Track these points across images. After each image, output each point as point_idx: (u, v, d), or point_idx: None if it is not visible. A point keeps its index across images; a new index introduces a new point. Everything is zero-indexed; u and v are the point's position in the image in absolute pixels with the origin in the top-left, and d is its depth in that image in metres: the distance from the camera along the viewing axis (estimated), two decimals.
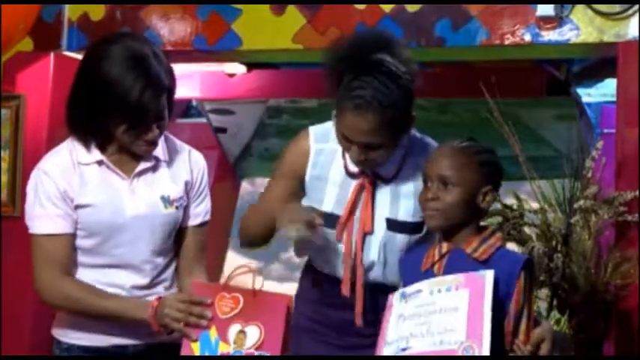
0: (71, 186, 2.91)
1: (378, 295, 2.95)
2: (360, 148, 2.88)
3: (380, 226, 3.00)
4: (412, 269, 2.88)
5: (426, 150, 2.97)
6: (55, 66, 4.50)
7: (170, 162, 3.02)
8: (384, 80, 2.82)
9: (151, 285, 2.99)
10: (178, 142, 3.09)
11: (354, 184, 3.01)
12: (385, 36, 2.97)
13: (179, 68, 5.24)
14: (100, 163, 2.94)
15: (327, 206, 3.02)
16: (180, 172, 3.03)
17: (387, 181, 3.01)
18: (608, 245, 3.72)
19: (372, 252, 3.00)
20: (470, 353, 2.58)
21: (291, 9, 4.27)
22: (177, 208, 2.99)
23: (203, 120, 6.55)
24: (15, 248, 4.39)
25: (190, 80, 5.93)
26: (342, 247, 3.00)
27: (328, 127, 3.04)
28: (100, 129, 2.89)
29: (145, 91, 2.81)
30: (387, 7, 4.14)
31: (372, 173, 3.00)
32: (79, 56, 4.54)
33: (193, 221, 3.06)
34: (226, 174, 6.77)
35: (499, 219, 3.70)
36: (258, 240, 3.13)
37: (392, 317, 2.76)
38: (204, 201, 3.09)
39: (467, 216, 2.80)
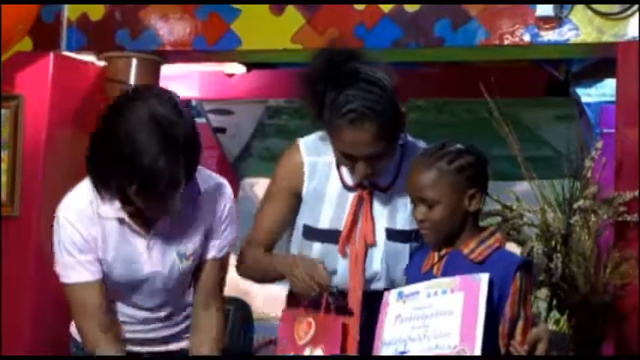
0: (93, 237, 2.86)
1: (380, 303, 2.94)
2: (366, 162, 2.86)
3: (380, 237, 2.98)
4: (414, 271, 2.89)
5: None
6: (54, 66, 4.50)
7: (191, 209, 2.92)
8: (365, 87, 2.81)
9: (166, 318, 2.99)
10: (201, 182, 2.93)
11: (350, 196, 2.98)
12: (347, 48, 2.96)
13: (178, 68, 5.29)
14: (121, 221, 2.86)
15: (324, 223, 2.99)
16: (200, 219, 2.94)
17: (384, 190, 2.99)
18: (607, 245, 3.72)
19: (375, 263, 2.98)
20: None
21: (290, 9, 4.27)
22: (193, 260, 2.94)
23: (202, 120, 6.55)
24: (15, 248, 4.39)
25: (189, 80, 5.93)
26: (343, 261, 2.98)
27: (317, 139, 3.01)
28: (114, 183, 2.78)
29: (159, 158, 2.66)
30: (386, 7, 4.14)
31: (370, 184, 2.98)
32: (79, 56, 4.60)
33: (213, 254, 2.99)
34: (226, 174, 6.72)
35: (498, 219, 3.70)
36: (259, 282, 3.14)
37: (388, 317, 2.77)
38: (226, 235, 3.00)
39: (460, 222, 2.80)
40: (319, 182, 3.00)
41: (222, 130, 6.58)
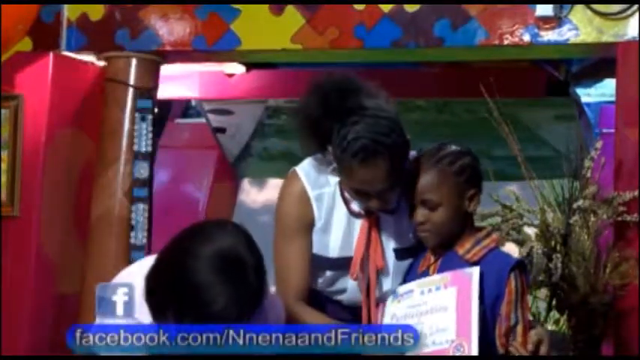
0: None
1: None
2: (379, 196, 2.83)
3: (390, 259, 2.96)
4: (412, 272, 2.91)
5: None
6: (54, 66, 4.50)
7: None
8: (374, 123, 2.77)
9: None
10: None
11: (357, 222, 2.95)
12: (342, 80, 2.89)
13: (178, 68, 5.28)
14: None
15: (334, 251, 2.96)
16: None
17: (391, 212, 2.96)
18: (607, 245, 3.72)
19: (386, 283, 2.97)
20: (460, 351, 2.61)
21: (290, 9, 4.27)
22: None
23: (202, 120, 6.55)
24: (15, 248, 4.40)
25: (189, 80, 5.92)
26: (354, 283, 2.96)
27: (314, 170, 2.96)
28: (173, 322, 2.50)
29: (231, 308, 2.43)
30: (386, 7, 4.14)
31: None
32: (78, 56, 4.59)
33: None
34: (226, 174, 6.76)
35: (498, 219, 3.70)
36: None
37: (385, 318, 2.80)
38: None
39: (460, 223, 2.81)
40: (327, 214, 2.96)
41: (222, 130, 6.57)
